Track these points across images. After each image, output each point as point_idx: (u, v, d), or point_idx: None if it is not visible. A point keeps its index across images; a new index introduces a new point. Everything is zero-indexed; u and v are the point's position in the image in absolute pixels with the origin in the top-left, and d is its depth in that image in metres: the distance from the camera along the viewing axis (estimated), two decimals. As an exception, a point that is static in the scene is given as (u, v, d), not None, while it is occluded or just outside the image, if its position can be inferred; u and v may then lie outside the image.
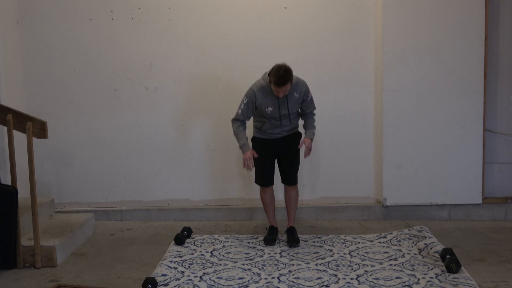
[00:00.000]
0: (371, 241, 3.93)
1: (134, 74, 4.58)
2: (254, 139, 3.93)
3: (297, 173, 3.98)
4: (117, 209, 4.70)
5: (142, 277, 3.34)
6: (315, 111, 3.97)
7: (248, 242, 3.96)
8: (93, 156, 4.67)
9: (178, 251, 3.78)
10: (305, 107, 3.86)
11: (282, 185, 4.13)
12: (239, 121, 3.82)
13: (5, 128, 3.95)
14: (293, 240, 3.92)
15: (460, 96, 4.33)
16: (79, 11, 4.53)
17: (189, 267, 3.50)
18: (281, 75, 3.50)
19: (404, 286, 3.13)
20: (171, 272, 3.38)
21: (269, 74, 3.63)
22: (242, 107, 3.77)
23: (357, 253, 3.69)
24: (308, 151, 3.86)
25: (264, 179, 3.93)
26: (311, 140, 3.88)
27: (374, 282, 3.19)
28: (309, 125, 3.94)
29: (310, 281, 3.23)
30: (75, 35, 4.56)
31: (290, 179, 3.96)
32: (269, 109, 3.73)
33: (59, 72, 4.61)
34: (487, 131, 4.45)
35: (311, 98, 3.87)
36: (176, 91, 4.58)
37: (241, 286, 3.19)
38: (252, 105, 3.75)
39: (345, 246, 3.85)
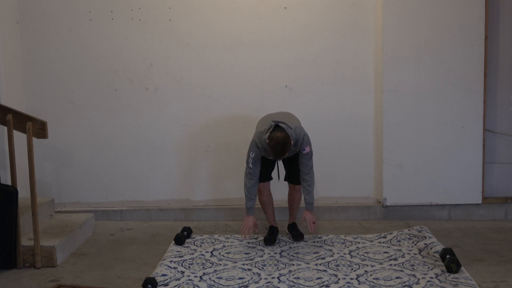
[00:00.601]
0: (371, 241, 3.93)
1: (134, 74, 4.58)
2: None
3: None
4: (117, 209, 4.70)
5: (142, 277, 3.34)
6: (310, 170, 3.71)
7: (248, 242, 3.96)
8: (93, 156, 4.68)
9: (178, 251, 3.78)
10: (300, 157, 3.71)
11: (280, 186, 4.13)
12: (254, 178, 3.73)
13: (5, 128, 3.95)
14: (297, 235, 3.96)
15: (460, 96, 4.33)
16: (79, 11, 4.53)
17: (189, 267, 3.50)
18: (278, 150, 3.45)
19: (404, 286, 3.13)
20: (171, 272, 3.38)
21: (268, 138, 3.51)
22: (251, 161, 3.70)
23: (357, 253, 3.69)
24: (313, 225, 3.75)
25: (261, 174, 3.91)
26: (311, 212, 3.76)
27: (374, 282, 3.19)
28: (306, 193, 3.74)
29: (310, 281, 3.23)
30: (75, 35, 4.56)
31: (293, 178, 3.96)
32: (270, 157, 3.73)
33: (59, 72, 4.61)
34: (487, 131, 4.45)
35: (308, 153, 3.67)
36: (176, 91, 4.58)
37: (241, 286, 3.19)
38: (259, 157, 3.71)
39: (345, 246, 3.84)
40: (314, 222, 3.79)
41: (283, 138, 3.46)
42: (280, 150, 3.46)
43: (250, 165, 3.71)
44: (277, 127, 3.58)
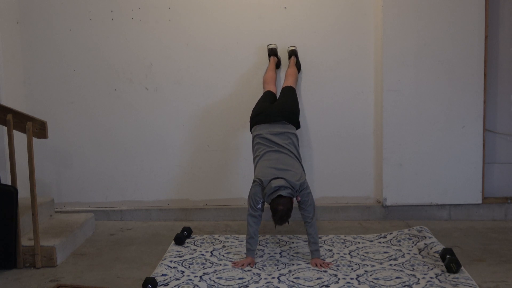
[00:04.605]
0: (371, 241, 3.93)
1: (134, 74, 4.58)
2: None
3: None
4: (117, 209, 4.70)
5: (142, 277, 3.34)
6: (309, 220, 3.50)
7: (248, 242, 3.96)
8: (93, 156, 4.68)
9: (178, 251, 3.78)
10: (300, 203, 3.55)
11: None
12: (260, 221, 3.54)
13: (5, 128, 3.95)
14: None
15: (460, 96, 4.33)
16: (79, 11, 4.53)
17: (189, 267, 3.50)
18: (278, 221, 3.39)
19: (404, 286, 3.13)
20: (171, 272, 3.38)
21: (270, 204, 3.40)
22: (261, 202, 3.50)
23: (357, 253, 3.69)
24: (322, 265, 3.51)
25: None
26: (319, 257, 3.56)
27: (374, 282, 3.19)
28: (309, 243, 3.54)
29: (310, 281, 3.23)
30: (75, 35, 4.56)
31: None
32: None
33: (59, 72, 4.61)
34: (487, 131, 4.45)
35: (300, 202, 3.49)
36: (176, 91, 4.58)
37: (241, 286, 3.19)
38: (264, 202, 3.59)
39: (345, 246, 3.84)
40: (324, 261, 3.54)
41: (287, 212, 3.36)
42: (281, 222, 3.40)
43: (259, 205, 3.51)
44: (280, 190, 3.38)
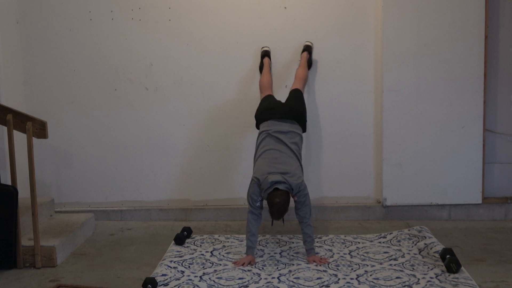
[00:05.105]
0: (371, 241, 3.93)
1: (134, 74, 4.58)
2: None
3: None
4: (117, 209, 4.70)
5: (142, 277, 3.34)
6: (305, 220, 3.53)
7: (248, 242, 3.95)
8: (93, 156, 4.68)
9: (178, 251, 3.78)
10: (297, 203, 3.56)
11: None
12: (260, 218, 3.57)
13: (5, 128, 3.95)
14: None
15: (460, 96, 4.33)
16: (79, 11, 4.53)
17: (189, 267, 3.50)
18: (275, 215, 3.39)
19: (404, 286, 3.13)
20: (171, 272, 3.38)
21: (267, 199, 3.42)
22: (260, 199, 3.53)
23: (357, 253, 3.69)
24: (320, 260, 3.54)
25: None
26: (315, 254, 3.60)
27: (374, 282, 3.19)
28: (304, 243, 3.59)
29: (310, 281, 3.24)
30: (75, 35, 4.56)
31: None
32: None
33: (59, 72, 4.61)
34: (487, 131, 4.45)
35: (302, 202, 3.50)
36: (176, 91, 4.58)
37: (241, 286, 3.19)
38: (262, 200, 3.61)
39: (345, 246, 3.85)
40: (321, 258, 3.57)
41: (283, 204, 3.37)
42: (278, 215, 3.41)
43: (258, 203, 3.53)
44: (277, 185, 3.41)
